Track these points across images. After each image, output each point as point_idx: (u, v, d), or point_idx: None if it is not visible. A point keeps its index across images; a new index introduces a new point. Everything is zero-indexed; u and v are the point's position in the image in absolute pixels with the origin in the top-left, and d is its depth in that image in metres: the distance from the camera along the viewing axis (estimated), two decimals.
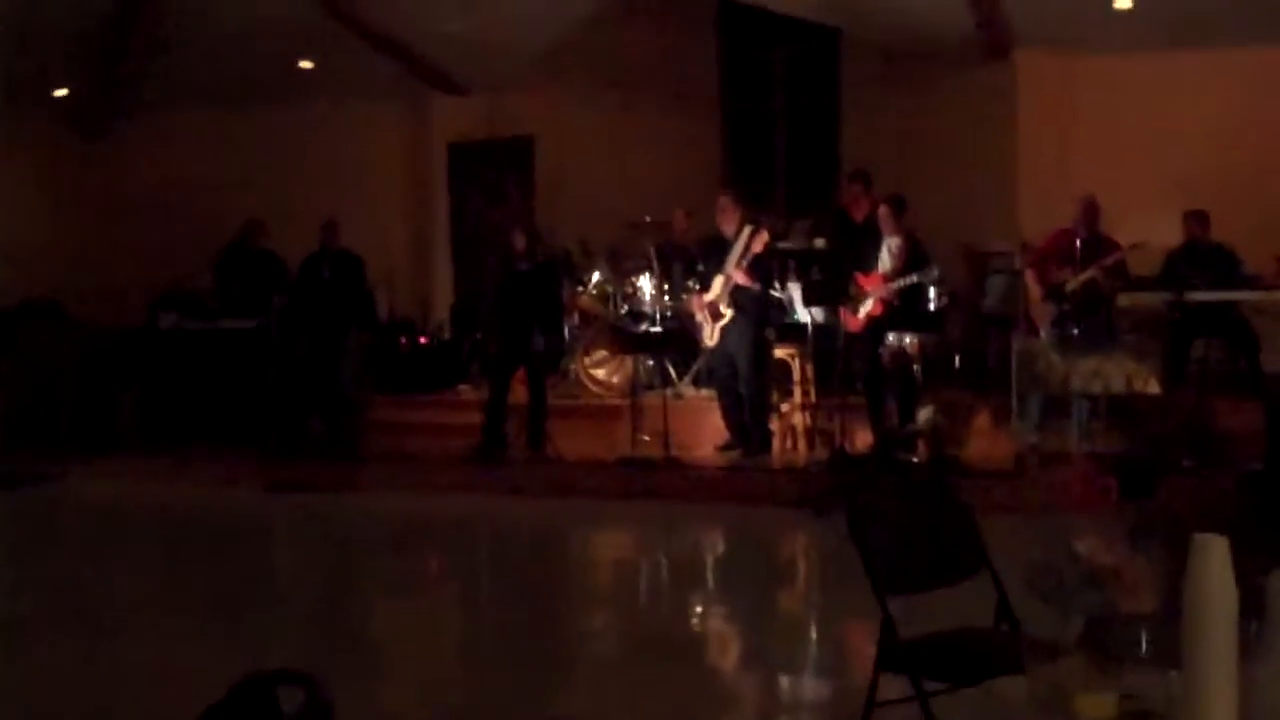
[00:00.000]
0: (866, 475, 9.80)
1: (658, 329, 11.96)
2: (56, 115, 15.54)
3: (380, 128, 15.32)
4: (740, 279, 10.63)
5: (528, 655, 6.75)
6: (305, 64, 14.19)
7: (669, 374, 12.01)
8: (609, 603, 8.29)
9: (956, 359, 11.95)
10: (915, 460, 10.30)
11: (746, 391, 10.75)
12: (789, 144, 14.97)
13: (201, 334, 12.68)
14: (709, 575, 8.87)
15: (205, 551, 9.58)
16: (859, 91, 14.12)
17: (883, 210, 10.49)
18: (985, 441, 10.69)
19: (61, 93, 14.51)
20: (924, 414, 10.64)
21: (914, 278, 10.15)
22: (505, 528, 10.23)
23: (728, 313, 10.69)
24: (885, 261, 10.41)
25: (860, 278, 10.43)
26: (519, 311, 11.28)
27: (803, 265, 11.96)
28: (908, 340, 10.56)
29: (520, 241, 11.46)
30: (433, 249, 15.45)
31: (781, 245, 11.98)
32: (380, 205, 15.07)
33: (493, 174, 15.18)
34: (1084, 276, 10.01)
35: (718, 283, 10.76)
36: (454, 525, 10.37)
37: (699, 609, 8.01)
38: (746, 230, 10.71)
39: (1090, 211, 10.29)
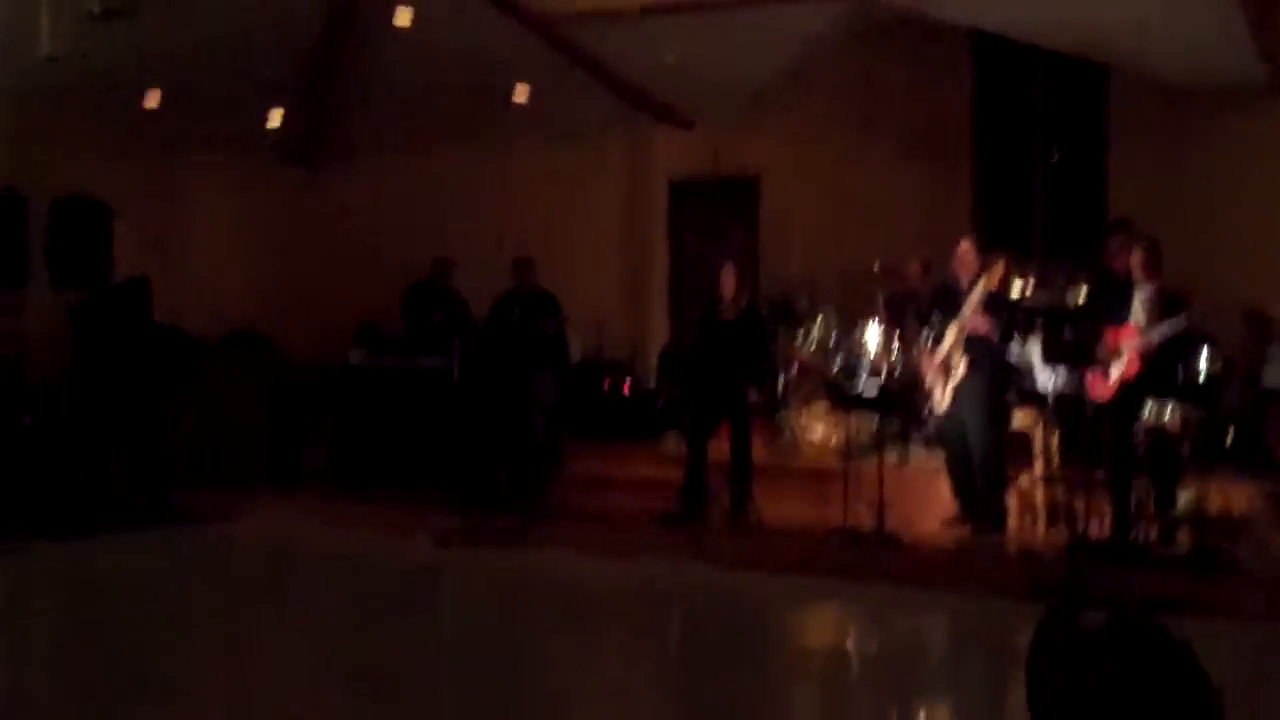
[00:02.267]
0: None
1: (881, 387, 10.69)
2: (269, 146, 15.12)
3: (598, 162, 14.48)
4: (976, 323, 9.33)
5: None
6: (521, 98, 13.42)
7: (892, 437, 10.75)
8: (801, 699, 7.05)
9: (1229, 437, 10.39)
10: (1171, 552, 8.84)
11: (979, 459, 9.43)
12: (1048, 192, 13.59)
13: (392, 372, 11.95)
14: (921, 674, 7.54)
15: (356, 608, 8.64)
16: (1128, 135, 12.73)
17: (1136, 256, 9.09)
18: (1260, 536, 9.13)
19: (275, 123, 14.10)
20: (1185, 497, 9.15)
21: (1180, 324, 8.71)
22: (694, 601, 9.05)
23: (961, 368, 9.40)
24: (1139, 314, 8.98)
25: (1110, 330, 9.02)
26: (722, 361, 10.14)
27: (1052, 324, 10.58)
28: (1170, 412, 9.08)
29: (730, 285, 10.34)
30: (648, 290, 14.44)
31: (1027, 301, 10.67)
32: (596, 244, 14.21)
33: (715, 214, 14.18)
34: None
35: (950, 333, 9.49)
36: (636, 594, 9.19)
37: (906, 713, 6.77)
38: (986, 274, 9.45)
39: None
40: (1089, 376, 9.10)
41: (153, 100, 12.67)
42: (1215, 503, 9.22)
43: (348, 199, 15.44)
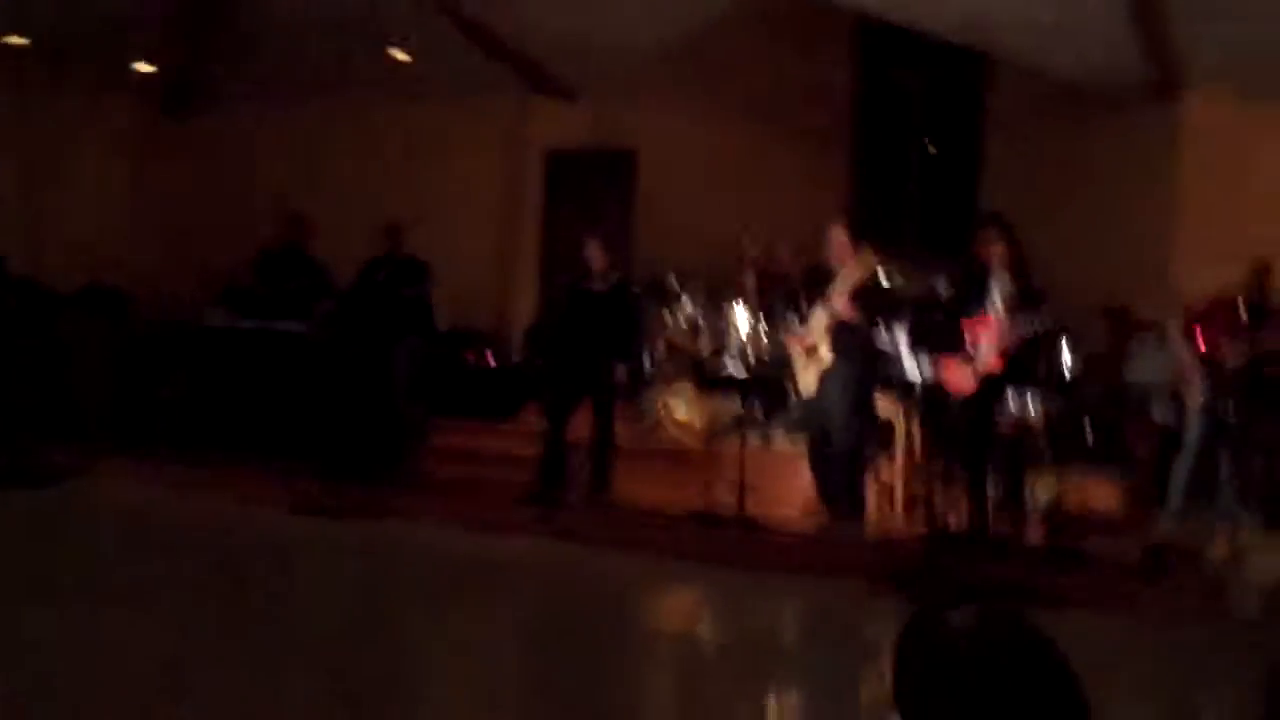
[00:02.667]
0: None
1: (746, 368, 10.62)
2: (137, 95, 14.67)
3: (474, 129, 14.11)
4: (840, 308, 9.28)
5: None
6: (400, 56, 13.10)
7: (757, 420, 10.68)
8: (654, 682, 6.96)
9: (1089, 431, 10.46)
10: (1028, 544, 8.88)
11: (840, 446, 9.39)
12: (924, 180, 13.60)
13: (250, 334, 11.61)
14: (776, 660, 7.48)
15: (204, 577, 8.37)
16: (1005, 127, 12.75)
17: (997, 248, 9.05)
18: (1115, 530, 9.21)
19: (146, 69, 13.66)
20: (1045, 492, 9.19)
21: (1048, 324, 8.73)
22: (549, 579, 8.92)
23: (827, 356, 9.35)
24: (996, 304, 8.97)
25: (966, 323, 8.99)
26: (589, 336, 9.97)
27: (919, 313, 10.56)
28: (1030, 405, 9.10)
29: (597, 257, 10.14)
30: (518, 262, 14.18)
31: (898, 289, 10.64)
32: (468, 211, 13.91)
33: (591, 187, 13.92)
34: (1253, 350, 8.45)
35: (819, 317, 9.44)
36: (492, 569, 9.04)
37: (760, 701, 6.72)
38: (861, 256, 9.40)
39: (1261, 277, 8.75)
40: (948, 368, 9.08)
41: (15, 39, 12.22)
42: (1073, 497, 9.29)
43: (217, 153, 14.98)
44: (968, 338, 8.95)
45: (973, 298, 9.08)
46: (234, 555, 9.14)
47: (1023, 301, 8.87)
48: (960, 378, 9.01)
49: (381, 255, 11.31)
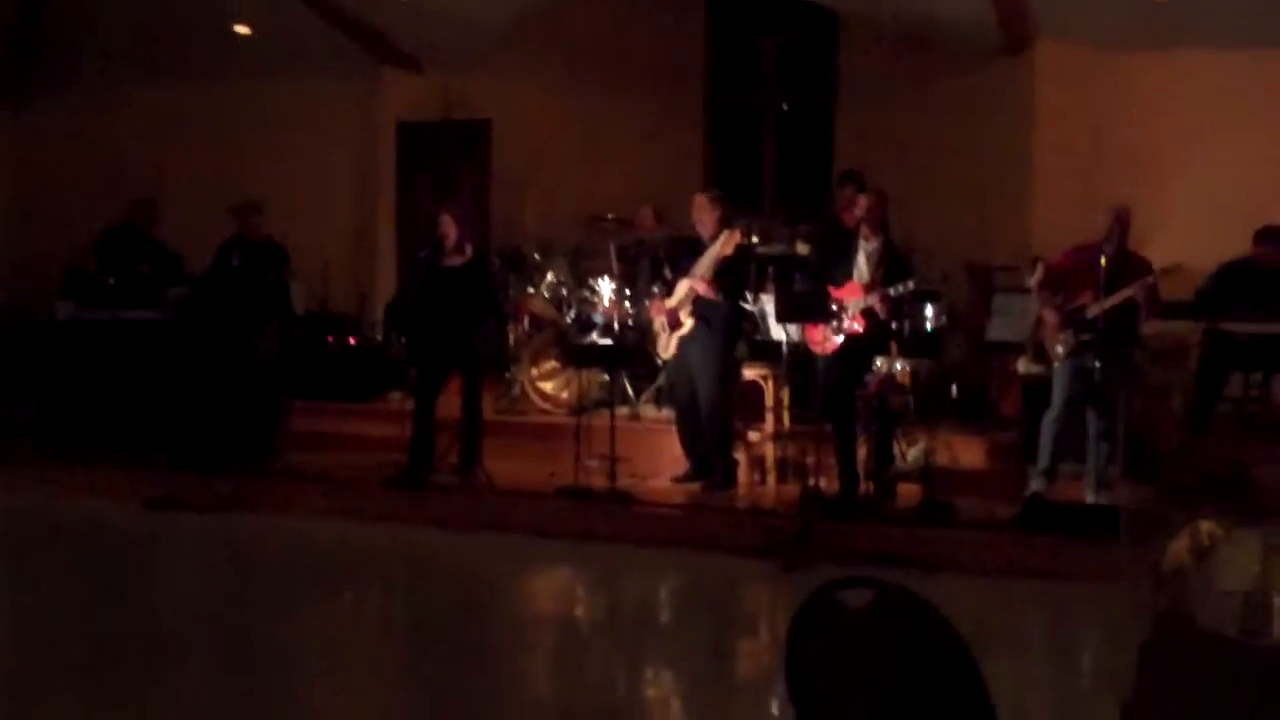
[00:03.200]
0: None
1: (611, 339, 10.50)
2: None
3: (324, 104, 13.81)
4: (702, 288, 9.20)
5: None
6: (242, 30, 12.72)
7: (626, 391, 10.58)
8: (528, 664, 6.81)
9: (955, 389, 10.50)
10: (899, 506, 8.89)
11: (707, 414, 9.32)
12: (780, 141, 13.56)
13: (101, 325, 11.19)
14: (652, 638, 7.37)
15: (59, 575, 8.07)
16: (858, 85, 12.74)
17: (860, 209, 9.03)
18: (985, 487, 9.23)
19: None
20: (914, 452, 9.20)
21: (910, 285, 8.69)
22: (419, 568, 8.75)
23: (688, 323, 9.27)
24: (862, 269, 8.95)
25: (833, 290, 8.95)
26: (446, 313, 9.74)
27: (782, 274, 10.51)
28: (898, 367, 9.09)
29: (450, 231, 9.89)
30: (376, 239, 13.89)
31: (759, 250, 10.57)
32: (321, 189, 13.60)
33: (445, 160, 13.65)
34: (1111, 301, 8.45)
35: (681, 288, 9.35)
36: (359, 559, 8.83)
37: (637, 678, 6.61)
38: (724, 234, 9.30)
39: (1121, 225, 8.71)
40: (814, 333, 9.03)
41: None
42: (942, 456, 9.31)
43: (56, 140, 14.49)
44: (833, 303, 8.90)
45: (838, 265, 9.03)
46: (89, 554, 8.84)
47: (889, 264, 8.84)
48: (826, 340, 8.97)
49: (234, 238, 10.94)
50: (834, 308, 8.87)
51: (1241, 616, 2.64)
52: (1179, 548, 2.96)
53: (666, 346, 9.51)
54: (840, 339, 8.90)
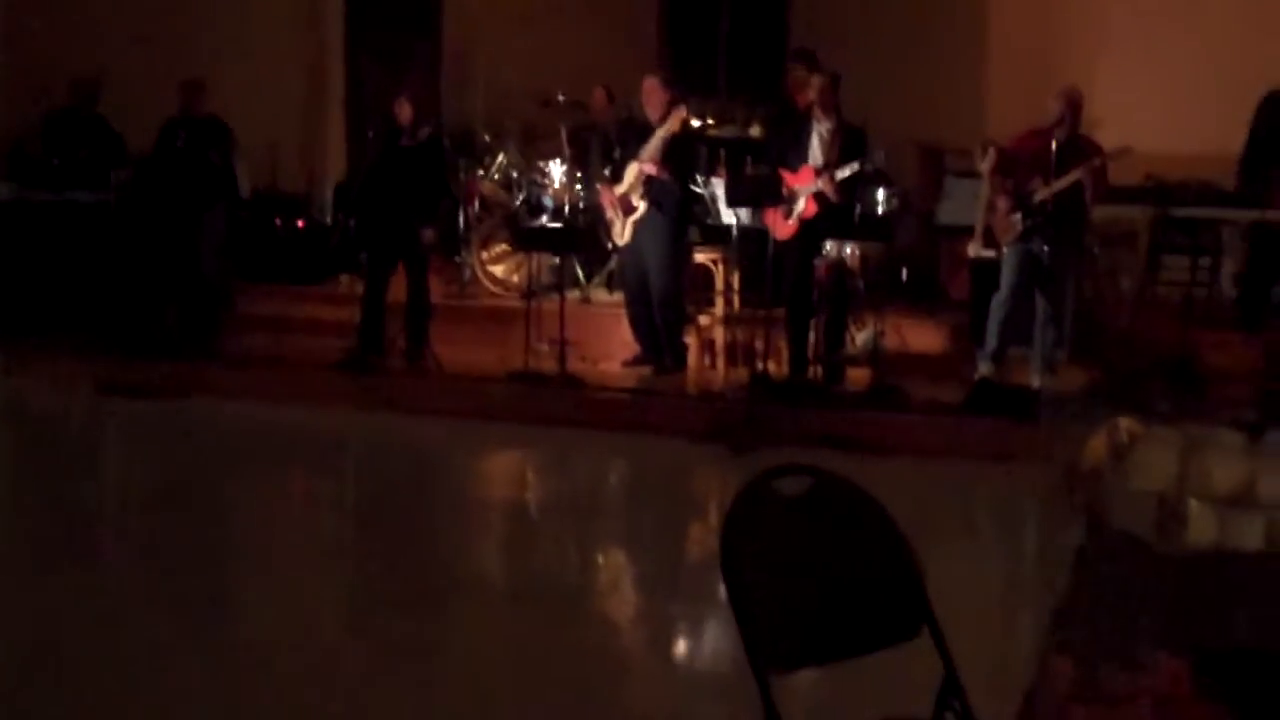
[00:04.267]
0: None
1: (562, 222, 10.44)
2: None
3: None
4: (651, 169, 9.14)
5: (388, 602, 5.74)
6: None
7: (576, 275, 10.55)
8: (479, 546, 6.92)
9: (905, 273, 10.52)
10: (848, 389, 8.93)
11: (658, 298, 9.30)
12: (734, 20, 13.37)
13: (44, 207, 10.98)
14: (600, 521, 7.45)
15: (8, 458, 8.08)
16: None
17: (814, 89, 8.96)
18: (933, 371, 9.29)
19: None
20: (863, 336, 9.23)
21: (856, 166, 8.65)
22: (370, 450, 8.79)
23: (640, 206, 9.22)
24: (816, 152, 8.90)
25: (787, 175, 8.91)
26: (399, 195, 9.64)
27: (734, 157, 10.45)
28: (849, 250, 9.09)
29: (405, 112, 9.76)
30: (324, 118, 13.66)
31: (711, 132, 10.49)
32: (267, 65, 13.27)
33: (396, 37, 13.42)
34: (1059, 185, 8.44)
35: (630, 171, 9.29)
36: (311, 444, 8.85)
37: (585, 561, 6.79)
38: (671, 114, 9.22)
39: (1073, 109, 8.67)
40: (769, 215, 9.01)
41: None
42: (891, 340, 9.34)
43: None
44: (785, 187, 8.86)
45: (792, 148, 8.98)
46: (40, 437, 8.82)
47: (844, 144, 8.79)
48: (778, 223, 8.95)
49: (178, 116, 10.74)
50: (785, 192, 8.84)
51: (1155, 519, 2.67)
52: (1097, 444, 3.00)
53: (621, 233, 9.46)
54: (794, 223, 8.87)
